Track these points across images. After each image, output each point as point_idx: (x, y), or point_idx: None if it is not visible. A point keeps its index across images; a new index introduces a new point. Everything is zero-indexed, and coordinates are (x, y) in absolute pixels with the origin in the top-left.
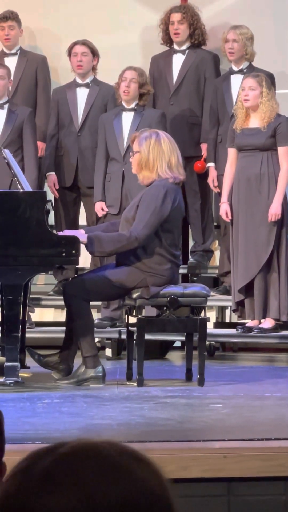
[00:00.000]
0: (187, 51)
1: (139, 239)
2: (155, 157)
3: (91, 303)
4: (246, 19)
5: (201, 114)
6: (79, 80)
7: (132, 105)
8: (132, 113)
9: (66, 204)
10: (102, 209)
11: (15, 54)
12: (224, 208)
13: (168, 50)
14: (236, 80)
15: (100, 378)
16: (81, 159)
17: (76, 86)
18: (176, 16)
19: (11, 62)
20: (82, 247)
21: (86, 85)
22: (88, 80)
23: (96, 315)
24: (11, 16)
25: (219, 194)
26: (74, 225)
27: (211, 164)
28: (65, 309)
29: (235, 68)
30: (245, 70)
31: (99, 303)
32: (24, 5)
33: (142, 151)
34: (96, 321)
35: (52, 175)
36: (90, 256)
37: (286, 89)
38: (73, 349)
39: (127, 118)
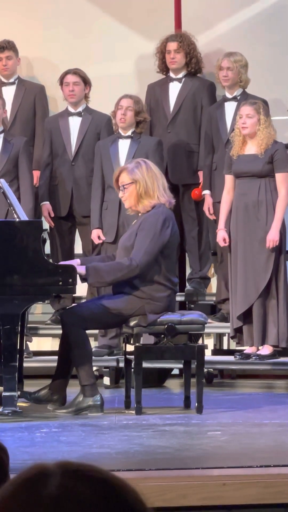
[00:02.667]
0: (183, 79)
1: (140, 266)
2: (152, 182)
3: (88, 331)
4: (240, 45)
5: (198, 142)
6: (71, 109)
7: (129, 133)
8: (128, 141)
9: (62, 233)
10: (99, 237)
11: (13, 83)
12: (221, 235)
13: (165, 78)
14: (230, 107)
15: (99, 406)
16: (75, 188)
17: (68, 115)
18: (172, 45)
19: (9, 92)
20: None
21: (79, 114)
22: (80, 109)
23: (93, 343)
24: (8, 46)
25: (215, 221)
26: (70, 254)
27: (206, 192)
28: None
29: (228, 95)
30: (238, 97)
31: (96, 331)
32: (21, 35)
33: (139, 180)
34: (93, 349)
35: (46, 205)
36: (87, 285)
37: (281, 115)
38: (66, 377)
39: (124, 146)
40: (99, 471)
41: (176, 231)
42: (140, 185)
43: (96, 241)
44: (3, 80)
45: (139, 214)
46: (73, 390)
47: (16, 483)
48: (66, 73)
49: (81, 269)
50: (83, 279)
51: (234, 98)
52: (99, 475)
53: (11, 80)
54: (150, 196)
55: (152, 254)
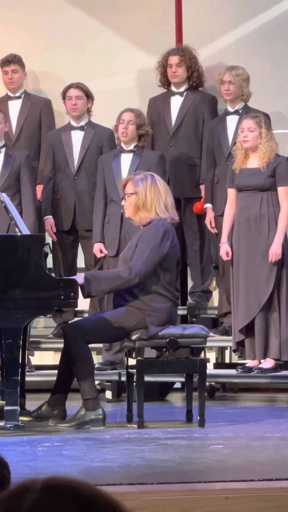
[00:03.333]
0: (185, 93)
1: (139, 276)
2: (152, 197)
3: (91, 345)
4: (242, 59)
5: (200, 156)
6: (73, 123)
7: (131, 147)
8: (131, 155)
9: (64, 247)
10: (101, 251)
11: (19, 97)
12: (224, 249)
13: (166, 92)
14: (231, 121)
15: (101, 420)
16: (78, 202)
17: (70, 129)
18: (174, 59)
19: (15, 105)
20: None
21: (81, 128)
22: (82, 123)
23: (96, 358)
24: (14, 60)
25: (217, 235)
26: (73, 268)
27: (208, 205)
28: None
29: (230, 109)
30: (240, 111)
31: (100, 345)
32: (27, 49)
33: (139, 192)
34: (96, 365)
35: (49, 219)
36: (88, 299)
37: (283, 129)
38: (66, 391)
39: (126, 160)
40: (81, 488)
41: (176, 244)
42: (139, 198)
43: (98, 255)
44: (9, 94)
45: (141, 227)
46: (73, 404)
47: (0, 496)
48: (69, 87)
49: (80, 278)
50: (86, 295)
51: (236, 112)
52: (79, 492)
53: (17, 94)
54: (147, 210)
55: (151, 264)
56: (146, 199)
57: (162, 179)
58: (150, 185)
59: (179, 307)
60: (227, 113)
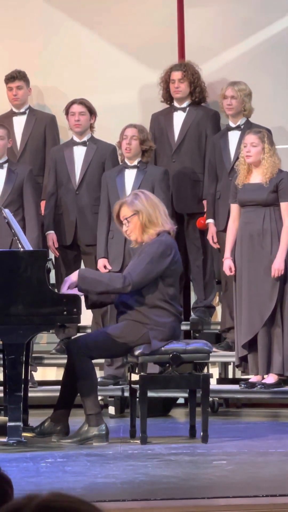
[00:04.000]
0: (187, 109)
1: (132, 284)
2: (154, 210)
3: (94, 361)
4: (244, 75)
5: (203, 171)
6: (76, 139)
7: (135, 162)
8: (135, 171)
9: (67, 263)
10: (105, 267)
11: (23, 113)
12: (227, 264)
13: (169, 108)
14: (233, 136)
15: (104, 436)
16: (80, 217)
17: (73, 145)
18: (176, 75)
19: (20, 121)
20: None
21: (84, 144)
22: (85, 139)
23: (99, 373)
24: (18, 76)
25: (219, 250)
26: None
27: (210, 220)
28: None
29: (232, 124)
30: (242, 126)
31: (102, 360)
32: (32, 65)
33: (142, 210)
34: (99, 379)
35: (51, 234)
36: (91, 315)
37: (285, 144)
38: (69, 407)
39: (130, 176)
40: (76, 507)
41: (178, 259)
42: (143, 215)
43: (103, 271)
44: (14, 110)
45: (142, 244)
46: (76, 419)
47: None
48: (72, 102)
49: (73, 275)
50: (86, 301)
51: (238, 127)
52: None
53: (22, 110)
54: (154, 224)
55: (147, 275)
56: (150, 214)
57: (166, 194)
58: (146, 200)
59: (183, 322)
60: (229, 128)
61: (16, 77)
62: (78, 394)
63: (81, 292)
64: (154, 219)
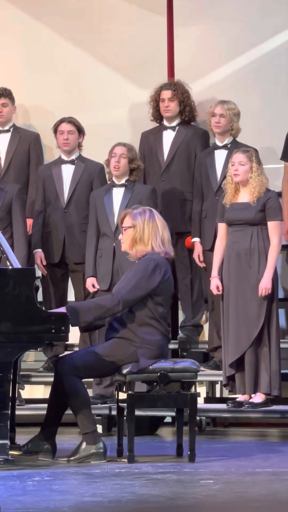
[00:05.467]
0: (177, 128)
1: (122, 302)
2: (150, 231)
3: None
4: (233, 94)
5: (192, 190)
6: (64, 157)
7: (123, 181)
8: (122, 189)
9: (55, 281)
10: (93, 286)
11: (8, 131)
12: (215, 283)
13: (158, 127)
14: (220, 155)
15: (102, 454)
16: (68, 235)
17: (61, 163)
18: (166, 93)
19: (4, 139)
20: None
21: (72, 162)
22: (73, 157)
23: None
24: (4, 94)
25: (205, 269)
26: (63, 302)
27: (196, 239)
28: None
29: (219, 143)
30: (229, 145)
31: (91, 379)
32: (18, 83)
33: (138, 225)
34: None
35: (39, 252)
36: (79, 333)
37: (272, 164)
38: (56, 426)
39: (118, 194)
40: None
41: (169, 278)
42: (136, 231)
43: (91, 290)
44: None
45: (136, 262)
46: (63, 438)
47: None
48: (61, 121)
49: (61, 311)
50: (76, 326)
51: (225, 146)
52: None
53: (6, 128)
54: (144, 244)
55: (135, 294)
56: (144, 233)
57: None
58: (148, 219)
59: (170, 341)
60: (216, 147)
61: (2, 94)
62: (67, 412)
63: (74, 326)
64: (145, 239)
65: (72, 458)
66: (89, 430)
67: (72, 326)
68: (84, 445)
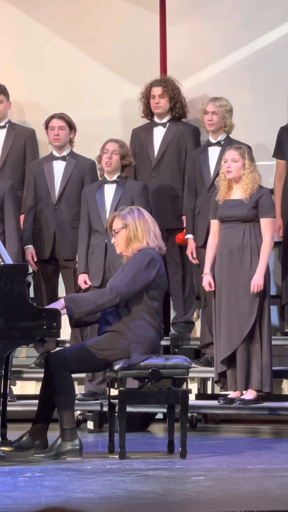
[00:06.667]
0: (167, 124)
1: (120, 295)
2: (143, 227)
3: (74, 376)
4: (225, 91)
5: (183, 187)
6: (55, 153)
7: (114, 177)
8: (114, 186)
9: (46, 277)
10: (85, 282)
11: (3, 127)
12: (207, 279)
13: (149, 123)
14: (213, 152)
15: (77, 451)
16: (58, 231)
17: (53, 159)
18: (157, 90)
19: (0, 135)
20: (64, 319)
21: (63, 158)
22: (64, 153)
23: (78, 389)
24: None
25: (198, 266)
26: (54, 297)
27: (189, 236)
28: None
29: (212, 140)
30: (222, 142)
31: (83, 375)
32: (13, 79)
33: (130, 224)
34: (78, 396)
35: (30, 248)
36: (70, 329)
37: (265, 161)
38: (47, 422)
39: (109, 191)
40: None
41: (163, 274)
42: (130, 230)
43: (83, 286)
44: None
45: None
46: (55, 434)
47: None
48: (52, 117)
49: (58, 303)
50: (70, 318)
51: (218, 143)
52: None
53: (2, 124)
54: (139, 241)
55: (133, 287)
56: (137, 230)
57: (146, 209)
58: (138, 216)
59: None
60: (209, 144)
61: None
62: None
63: (71, 316)
64: (140, 235)
65: (48, 454)
66: (68, 427)
67: (68, 316)
68: (60, 441)
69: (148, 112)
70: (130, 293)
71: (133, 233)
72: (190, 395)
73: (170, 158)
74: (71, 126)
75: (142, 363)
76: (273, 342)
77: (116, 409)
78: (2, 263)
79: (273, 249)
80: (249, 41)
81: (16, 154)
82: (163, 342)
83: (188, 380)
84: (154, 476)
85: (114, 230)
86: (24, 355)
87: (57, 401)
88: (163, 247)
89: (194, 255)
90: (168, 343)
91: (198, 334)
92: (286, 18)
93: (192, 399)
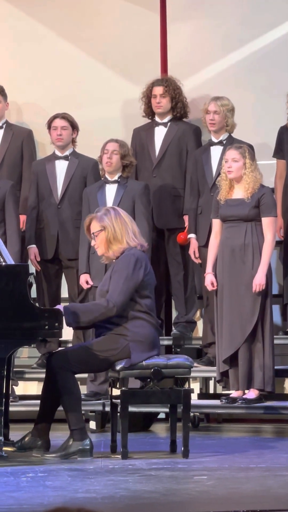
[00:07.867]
0: (169, 124)
1: (116, 306)
2: (121, 227)
3: (77, 376)
4: (226, 90)
5: (184, 186)
6: (58, 153)
7: (115, 177)
8: (115, 185)
9: (48, 277)
10: (87, 282)
11: (0, 127)
12: (209, 279)
13: (150, 123)
14: (215, 152)
15: (88, 451)
16: (61, 231)
17: (55, 159)
18: (158, 90)
19: None
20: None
21: (65, 158)
22: (67, 153)
23: (80, 389)
24: None
25: (200, 265)
26: (57, 298)
27: (192, 235)
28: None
29: (214, 140)
30: (224, 141)
31: (85, 375)
32: (11, 80)
33: (107, 226)
34: None
35: (33, 248)
36: (72, 329)
37: (267, 160)
38: (49, 422)
39: (111, 191)
40: None
41: (150, 271)
42: (108, 231)
43: (85, 286)
44: None
45: (114, 261)
46: (57, 434)
47: None
48: (55, 117)
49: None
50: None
51: (220, 143)
52: None
53: None
54: (118, 241)
55: (126, 293)
56: (116, 231)
57: (147, 209)
58: (114, 216)
59: (164, 337)
60: (211, 143)
61: None
62: (60, 408)
63: (69, 325)
64: (119, 236)
65: (58, 454)
66: (77, 427)
67: (67, 326)
68: (71, 441)
69: (149, 112)
70: (125, 302)
71: (112, 234)
72: (192, 394)
73: (171, 157)
74: (74, 126)
75: (144, 363)
76: (275, 341)
77: (118, 409)
78: (3, 263)
79: (274, 248)
80: (250, 40)
81: (13, 155)
82: (165, 342)
83: (190, 379)
84: (157, 476)
85: (93, 233)
86: (26, 355)
87: (63, 402)
88: (145, 244)
89: (197, 255)
90: (170, 342)
91: (200, 334)
92: (287, 17)
93: (194, 398)
